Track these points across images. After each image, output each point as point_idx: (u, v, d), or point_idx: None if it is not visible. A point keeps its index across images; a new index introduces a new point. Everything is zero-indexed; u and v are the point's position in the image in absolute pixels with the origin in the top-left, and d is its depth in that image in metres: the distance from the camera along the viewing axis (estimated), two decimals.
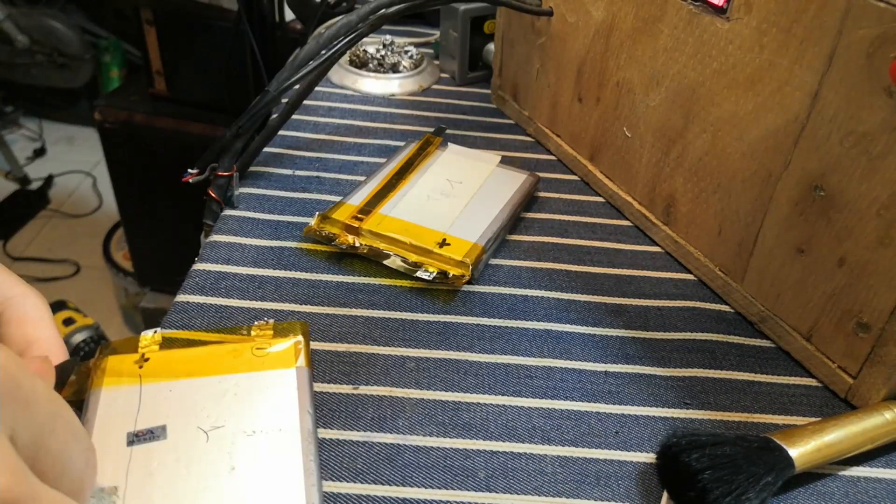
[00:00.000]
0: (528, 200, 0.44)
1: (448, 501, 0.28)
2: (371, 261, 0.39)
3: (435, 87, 0.58)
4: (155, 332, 0.31)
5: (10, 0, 1.52)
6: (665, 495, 0.29)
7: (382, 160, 0.47)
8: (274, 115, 0.45)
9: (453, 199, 0.42)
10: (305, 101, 0.45)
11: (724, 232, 0.38)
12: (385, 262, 0.39)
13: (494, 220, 0.41)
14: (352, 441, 0.30)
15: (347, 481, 0.28)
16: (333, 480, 0.28)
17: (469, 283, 0.39)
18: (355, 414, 0.31)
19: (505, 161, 0.49)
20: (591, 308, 0.38)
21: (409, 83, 0.57)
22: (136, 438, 0.26)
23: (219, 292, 0.36)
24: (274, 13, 0.74)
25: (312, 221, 0.40)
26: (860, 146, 0.30)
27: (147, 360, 0.29)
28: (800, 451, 0.29)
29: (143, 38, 1.32)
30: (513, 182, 0.44)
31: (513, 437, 0.31)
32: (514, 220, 0.43)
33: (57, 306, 1.19)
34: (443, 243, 0.38)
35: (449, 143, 0.47)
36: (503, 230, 0.41)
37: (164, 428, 0.27)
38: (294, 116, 0.47)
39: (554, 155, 0.50)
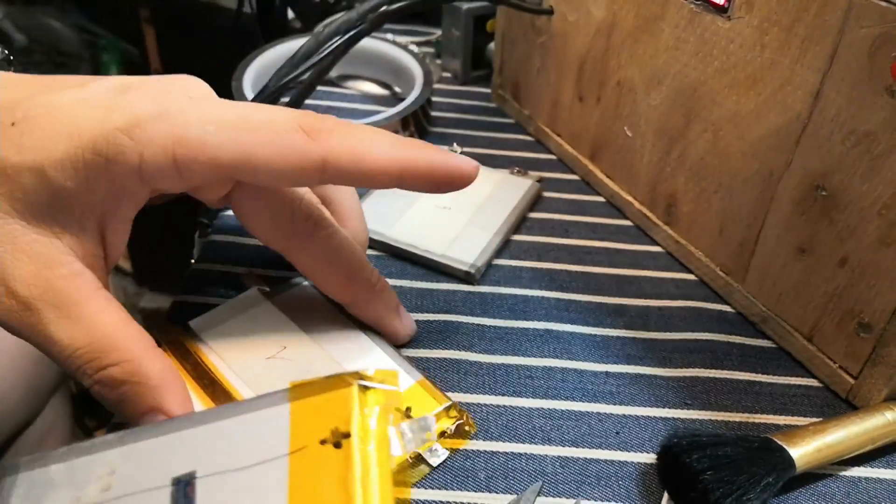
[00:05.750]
0: (530, 207, 0.44)
1: (448, 501, 0.28)
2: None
3: (436, 86, 0.58)
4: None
5: None
6: (666, 496, 0.28)
7: None
8: None
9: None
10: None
11: (726, 232, 0.38)
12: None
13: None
14: None
15: None
16: None
17: (469, 283, 0.38)
18: None
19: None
20: (592, 308, 0.38)
21: None
22: None
23: (218, 292, 0.36)
24: (285, 13, 0.74)
25: None
26: (862, 146, 0.29)
27: None
28: (801, 452, 0.28)
29: (142, 37, 1.31)
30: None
31: (513, 437, 0.31)
32: (518, 223, 0.43)
33: None
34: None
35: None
36: (502, 244, 0.41)
37: None
38: None
39: (554, 154, 0.50)
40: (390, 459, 0.16)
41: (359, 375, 0.17)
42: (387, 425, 0.17)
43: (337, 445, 0.16)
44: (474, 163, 0.29)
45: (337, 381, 0.17)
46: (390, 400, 0.17)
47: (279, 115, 0.26)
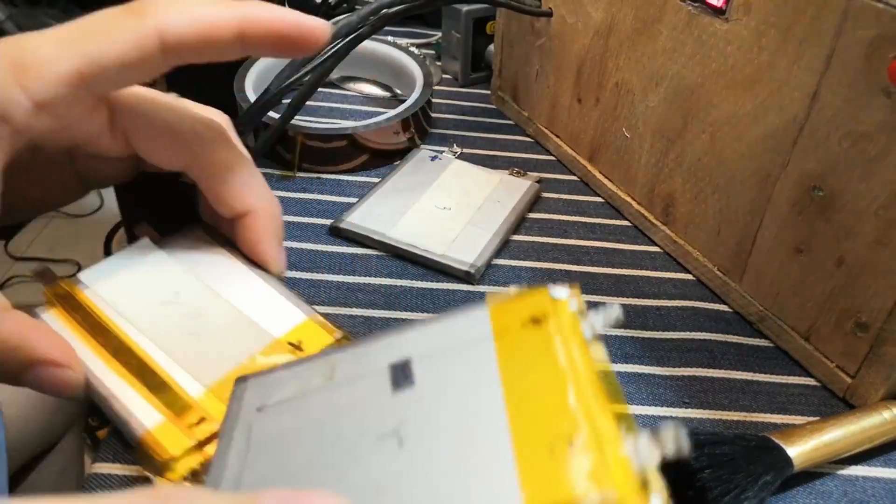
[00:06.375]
0: (529, 208, 0.44)
1: None
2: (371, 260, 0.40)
3: (437, 87, 0.59)
4: None
5: (11, 1, 1.52)
6: None
7: None
8: (277, 116, 0.45)
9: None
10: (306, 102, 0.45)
11: (723, 232, 0.38)
12: None
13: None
14: None
15: None
16: None
17: (469, 283, 0.39)
18: None
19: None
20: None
21: None
22: None
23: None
24: None
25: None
26: (858, 146, 0.30)
27: None
28: (798, 451, 0.29)
29: None
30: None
31: None
32: (517, 223, 0.43)
33: None
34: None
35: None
36: (502, 244, 0.41)
37: None
38: (295, 117, 0.47)
39: (553, 155, 0.50)
40: (583, 338, 0.19)
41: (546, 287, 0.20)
42: (577, 315, 0.19)
43: (536, 324, 0.19)
44: (323, 21, 0.27)
45: (530, 290, 0.20)
46: (579, 300, 0.20)
47: (107, 11, 0.26)
